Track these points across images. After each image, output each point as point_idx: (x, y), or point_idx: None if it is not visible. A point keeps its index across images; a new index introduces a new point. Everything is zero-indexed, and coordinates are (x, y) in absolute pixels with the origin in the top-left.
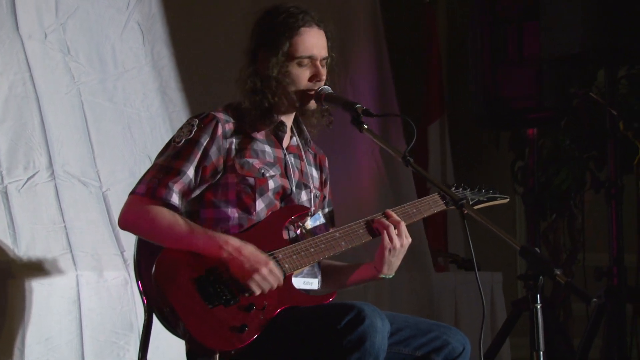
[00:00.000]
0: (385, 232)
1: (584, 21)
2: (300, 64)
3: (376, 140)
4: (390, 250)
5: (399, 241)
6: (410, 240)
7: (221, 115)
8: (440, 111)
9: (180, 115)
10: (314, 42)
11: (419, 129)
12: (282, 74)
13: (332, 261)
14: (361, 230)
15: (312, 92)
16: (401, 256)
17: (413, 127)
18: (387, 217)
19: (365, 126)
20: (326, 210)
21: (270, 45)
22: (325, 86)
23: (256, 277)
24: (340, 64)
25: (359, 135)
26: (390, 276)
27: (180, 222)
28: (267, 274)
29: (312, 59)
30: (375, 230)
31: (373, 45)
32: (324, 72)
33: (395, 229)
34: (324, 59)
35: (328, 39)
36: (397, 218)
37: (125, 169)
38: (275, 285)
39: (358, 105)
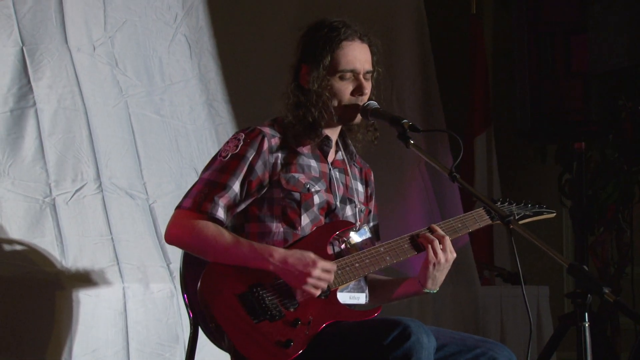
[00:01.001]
0: (429, 246)
1: (632, 33)
2: (342, 78)
3: (423, 156)
4: (434, 264)
5: (444, 256)
6: (454, 255)
7: (267, 130)
8: (487, 124)
9: (227, 128)
10: (356, 55)
11: (465, 141)
12: (322, 88)
13: (377, 275)
14: (406, 245)
15: (356, 106)
16: (446, 271)
17: (460, 142)
18: (432, 231)
19: (412, 141)
20: (371, 224)
21: (312, 59)
22: (372, 101)
23: (310, 280)
24: (386, 77)
25: (406, 149)
26: (435, 291)
27: (225, 236)
28: (319, 273)
29: (354, 72)
30: (420, 245)
31: (419, 58)
32: (367, 85)
33: (440, 243)
34: (367, 72)
35: (372, 53)
36: (442, 232)
37: (171, 181)
38: (331, 280)
39: (404, 120)
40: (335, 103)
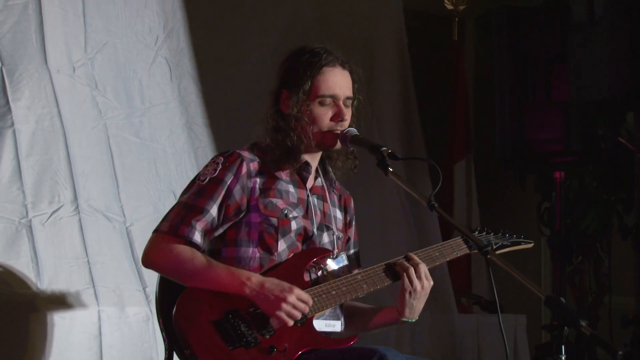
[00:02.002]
0: (405, 274)
1: (612, 65)
2: (322, 104)
3: (401, 184)
4: (410, 292)
5: (419, 284)
6: (431, 282)
7: (246, 154)
8: (467, 150)
9: (206, 151)
10: (337, 81)
11: (445, 167)
12: (302, 113)
13: (355, 303)
14: (383, 273)
15: (336, 133)
16: (423, 299)
17: (439, 172)
18: (409, 259)
19: (391, 169)
20: (351, 251)
21: (292, 84)
22: (351, 128)
23: (284, 306)
24: (367, 104)
25: (385, 177)
26: (413, 320)
27: (202, 260)
28: (295, 300)
29: (334, 98)
30: (397, 273)
31: (400, 84)
32: (347, 112)
33: (415, 271)
34: (347, 98)
35: (354, 80)
36: (418, 260)
37: (149, 204)
38: (306, 311)
39: (384, 148)
40: (315, 129)
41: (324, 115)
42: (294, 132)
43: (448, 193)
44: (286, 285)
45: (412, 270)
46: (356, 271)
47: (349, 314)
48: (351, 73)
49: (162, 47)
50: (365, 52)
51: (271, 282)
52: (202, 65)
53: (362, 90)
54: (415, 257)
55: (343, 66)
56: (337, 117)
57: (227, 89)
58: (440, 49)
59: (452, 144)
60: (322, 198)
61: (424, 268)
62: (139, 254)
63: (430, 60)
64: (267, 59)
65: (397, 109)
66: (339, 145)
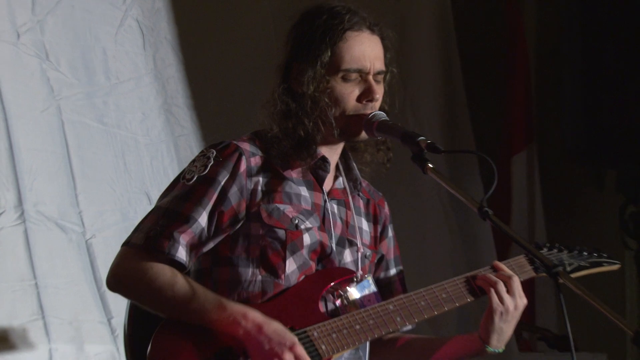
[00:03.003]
0: (493, 290)
1: None
2: (345, 79)
3: (444, 184)
4: (501, 313)
5: (512, 302)
6: (525, 301)
7: (246, 146)
8: (528, 140)
9: (191, 142)
10: (365, 50)
11: (501, 161)
12: (320, 92)
13: (410, 334)
14: (444, 295)
15: (362, 117)
16: (514, 322)
17: (493, 168)
18: (496, 270)
19: (431, 165)
20: (392, 272)
21: (307, 55)
22: (379, 111)
23: None
24: (398, 81)
25: (422, 174)
26: (501, 350)
27: (184, 286)
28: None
29: (362, 72)
30: (475, 290)
31: (441, 57)
32: (379, 89)
33: (506, 286)
34: (378, 73)
35: (385, 48)
36: (509, 272)
37: (116, 210)
38: None
39: (421, 137)
40: (337, 112)
41: (350, 94)
42: (309, 118)
43: (504, 194)
44: (289, 338)
45: (501, 286)
46: (403, 296)
47: (390, 349)
48: (382, 39)
49: (132, 6)
50: (395, 15)
51: (273, 329)
52: (185, 29)
53: (395, 61)
54: (506, 268)
55: (372, 30)
56: (367, 95)
57: (218, 60)
58: (493, 12)
59: (509, 132)
60: (344, 204)
61: (517, 283)
62: (103, 275)
63: (480, 26)
64: (269, 21)
65: (437, 87)
66: (364, 134)
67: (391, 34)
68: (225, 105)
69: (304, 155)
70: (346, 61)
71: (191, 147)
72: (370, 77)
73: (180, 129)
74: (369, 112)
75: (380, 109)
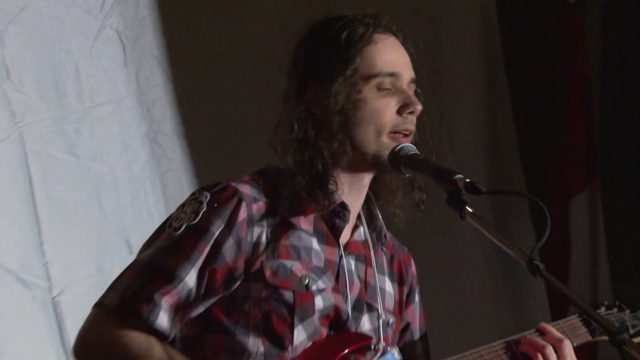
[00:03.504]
0: (540, 355)
1: None
2: (380, 88)
3: (486, 232)
4: None
5: None
6: None
7: (247, 190)
8: (590, 177)
9: (180, 178)
10: (397, 54)
11: (557, 204)
12: (352, 104)
13: None
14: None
15: (404, 134)
16: None
17: (546, 213)
18: (543, 333)
19: (470, 209)
20: (415, 339)
21: (328, 67)
22: (407, 144)
23: None
24: (431, 105)
25: (460, 220)
26: None
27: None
28: None
29: (396, 78)
30: (520, 358)
31: (483, 74)
32: (419, 105)
33: (557, 351)
34: (412, 81)
35: (411, 56)
36: (558, 335)
37: (89, 260)
38: None
39: (459, 175)
40: (371, 130)
41: (387, 105)
42: (330, 145)
43: (562, 243)
44: None
45: (550, 350)
46: None
47: None
48: (406, 47)
49: (111, 14)
50: (426, 24)
51: None
52: (175, 42)
53: (426, 80)
54: (555, 330)
55: (397, 36)
56: (407, 106)
57: (215, 79)
58: (549, 17)
59: (567, 168)
60: (364, 259)
61: (569, 347)
62: (71, 338)
63: (530, 35)
64: (277, 33)
65: (479, 113)
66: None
67: (419, 45)
68: (223, 135)
69: (319, 197)
70: (379, 65)
71: (181, 184)
72: (406, 86)
73: (168, 163)
74: (409, 128)
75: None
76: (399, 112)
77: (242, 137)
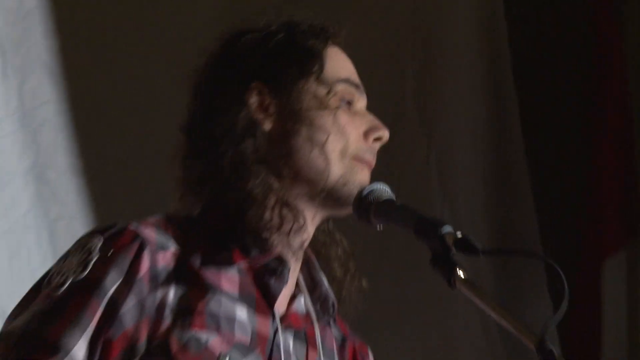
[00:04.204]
0: None
1: None
2: (344, 98)
3: (484, 306)
4: None
5: None
6: None
7: (151, 234)
8: (627, 233)
9: (75, 229)
10: (352, 70)
11: (586, 266)
12: (316, 112)
13: None
14: None
15: (367, 161)
16: None
17: (563, 280)
18: None
19: (463, 274)
20: None
21: (284, 62)
22: (378, 184)
23: None
24: (419, 124)
25: (449, 289)
26: None
27: None
28: None
29: (359, 93)
30: None
31: (485, 82)
32: (388, 132)
33: None
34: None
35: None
36: None
37: None
38: None
39: (447, 228)
40: (337, 149)
41: (352, 122)
42: (275, 166)
43: (589, 318)
44: None
45: None
46: None
47: None
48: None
49: None
50: (412, 25)
51: None
52: (72, 45)
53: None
54: None
55: (340, 46)
56: (375, 130)
57: (125, 93)
58: (574, 18)
59: (597, 222)
60: (306, 338)
61: None
62: None
63: (550, 36)
64: (210, 28)
65: (480, 141)
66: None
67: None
68: (136, 171)
69: (247, 246)
70: (345, 69)
71: (75, 236)
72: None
73: (60, 208)
74: (370, 159)
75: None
76: (366, 135)
77: (162, 174)
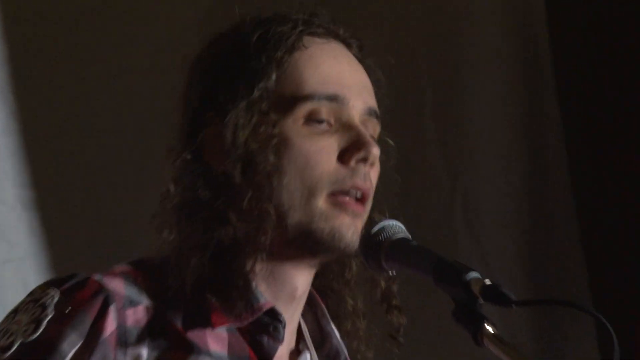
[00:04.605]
0: None
1: None
2: (311, 119)
3: None
4: None
5: None
6: None
7: (118, 286)
8: None
9: (25, 273)
10: (340, 66)
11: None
12: (261, 143)
13: None
14: None
15: (351, 201)
16: None
17: (613, 339)
18: None
19: (491, 329)
20: None
21: (228, 88)
22: (391, 221)
23: None
24: (439, 155)
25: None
26: None
27: None
28: None
29: (338, 104)
30: None
31: (521, 103)
32: (375, 145)
33: None
34: (369, 112)
35: (372, 77)
36: None
37: None
38: None
39: (473, 274)
40: (298, 189)
41: (322, 148)
42: (237, 207)
43: None
44: None
45: None
46: None
47: None
48: (366, 64)
49: None
50: (436, 36)
51: None
52: (21, 53)
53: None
54: None
55: (347, 44)
56: (356, 148)
57: (88, 110)
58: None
59: None
60: None
61: None
62: None
63: (603, 47)
64: (192, 34)
65: (514, 174)
66: (355, 239)
67: (376, 62)
68: (99, 205)
69: (233, 299)
70: (311, 82)
71: (26, 283)
72: (358, 120)
73: (8, 249)
74: (360, 184)
75: (381, 217)
76: (343, 158)
77: (130, 207)
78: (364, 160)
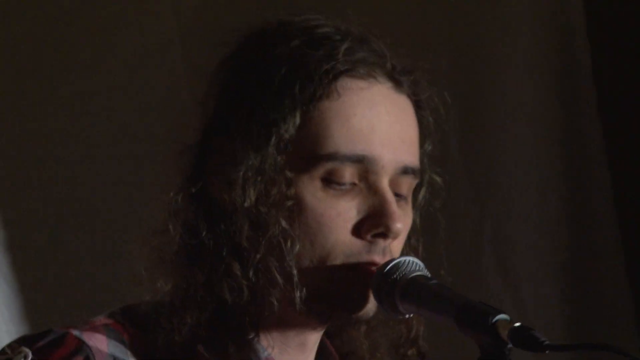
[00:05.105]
0: None
1: None
2: (329, 182)
3: None
4: None
5: None
6: None
7: (101, 342)
8: None
9: None
10: (381, 121)
11: None
12: (271, 207)
13: None
14: None
15: (365, 270)
16: None
17: None
18: None
19: None
20: None
21: (247, 121)
22: (406, 257)
23: None
24: (465, 186)
25: None
26: None
27: None
28: None
29: (366, 165)
30: None
31: (558, 127)
32: (404, 214)
33: None
34: (405, 171)
35: (422, 122)
36: None
37: None
38: None
39: (501, 316)
40: (308, 257)
41: (337, 216)
42: (246, 263)
43: None
44: None
45: None
46: None
47: None
48: (418, 104)
49: None
50: (460, 49)
51: None
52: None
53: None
54: None
55: (397, 82)
56: (377, 221)
57: (65, 127)
58: None
59: None
60: None
61: None
62: None
63: None
64: (174, 47)
65: (550, 207)
66: (370, 306)
67: (443, 96)
68: (75, 246)
69: (229, 355)
70: (336, 140)
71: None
72: (386, 184)
73: None
74: (377, 259)
75: (403, 252)
76: (359, 230)
77: (114, 249)
78: (384, 235)
